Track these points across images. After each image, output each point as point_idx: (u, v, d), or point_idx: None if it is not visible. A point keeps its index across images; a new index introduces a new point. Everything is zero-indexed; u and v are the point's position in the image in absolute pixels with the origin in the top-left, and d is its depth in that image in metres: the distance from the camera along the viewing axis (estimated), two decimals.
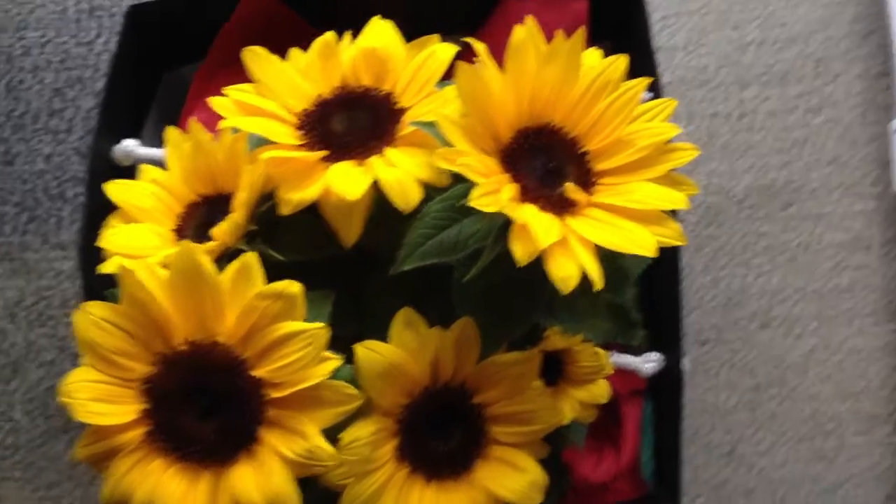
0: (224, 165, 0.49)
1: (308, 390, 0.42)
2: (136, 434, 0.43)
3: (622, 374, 0.56)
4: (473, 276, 0.46)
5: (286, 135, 0.48)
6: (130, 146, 0.58)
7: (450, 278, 0.49)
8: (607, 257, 0.49)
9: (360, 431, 0.46)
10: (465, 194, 0.46)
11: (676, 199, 0.43)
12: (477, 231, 0.46)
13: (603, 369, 0.50)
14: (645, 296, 0.55)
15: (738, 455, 0.76)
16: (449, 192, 0.46)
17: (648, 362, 0.54)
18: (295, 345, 0.42)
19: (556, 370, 0.50)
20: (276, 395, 0.42)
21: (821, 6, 0.82)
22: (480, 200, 0.41)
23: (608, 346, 0.52)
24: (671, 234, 0.43)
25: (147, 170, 0.50)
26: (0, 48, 0.79)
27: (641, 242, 0.42)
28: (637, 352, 0.56)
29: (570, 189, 0.43)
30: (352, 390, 0.42)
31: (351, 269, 0.51)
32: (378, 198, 0.48)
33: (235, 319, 0.42)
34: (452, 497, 0.47)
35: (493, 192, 0.42)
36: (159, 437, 0.43)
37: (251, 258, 0.42)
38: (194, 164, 0.50)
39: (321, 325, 0.42)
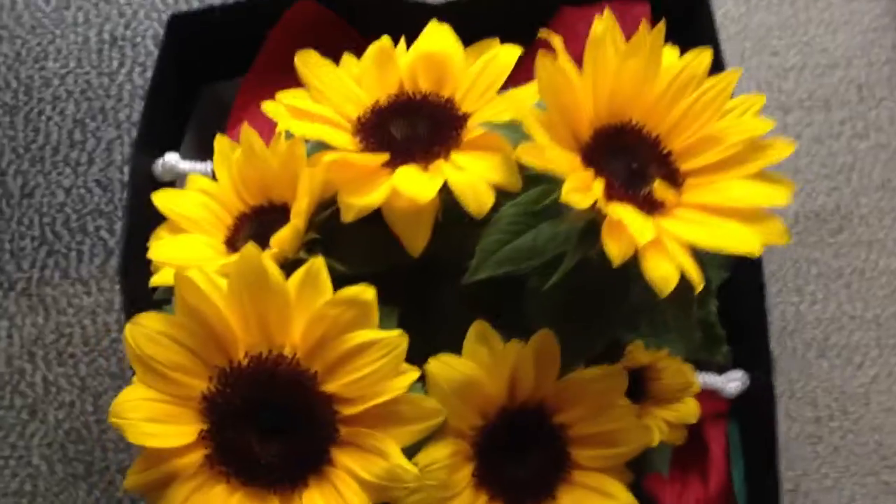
0: (278, 173, 0.46)
1: (385, 406, 0.38)
2: (195, 458, 0.39)
3: (700, 396, 0.52)
4: (553, 284, 0.43)
5: (345, 140, 0.45)
6: (173, 160, 0.54)
7: (523, 291, 0.45)
8: None
9: (438, 453, 0.42)
10: (541, 198, 0.43)
11: (779, 194, 0.40)
12: (556, 236, 0.43)
13: (691, 386, 0.46)
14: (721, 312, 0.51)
15: (802, 492, 0.72)
16: (523, 196, 0.43)
17: (732, 381, 0.51)
18: (370, 356, 0.38)
19: (639, 389, 0.46)
20: (349, 411, 0.39)
21: (859, 32, 0.80)
22: (572, 195, 0.38)
23: None
24: (775, 232, 0.39)
25: (195, 179, 0.47)
26: (20, 79, 0.76)
27: (744, 240, 0.39)
28: (716, 371, 0.52)
29: (659, 188, 0.40)
30: (434, 404, 0.39)
31: (417, 283, 0.48)
32: (445, 205, 0.45)
33: (303, 330, 0.39)
34: None
35: (584, 188, 0.39)
36: (220, 459, 0.39)
37: (319, 263, 0.39)
38: (246, 172, 0.46)
39: (398, 332, 0.38)
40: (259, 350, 0.39)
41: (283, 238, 0.42)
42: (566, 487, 0.44)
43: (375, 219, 0.45)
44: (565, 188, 0.37)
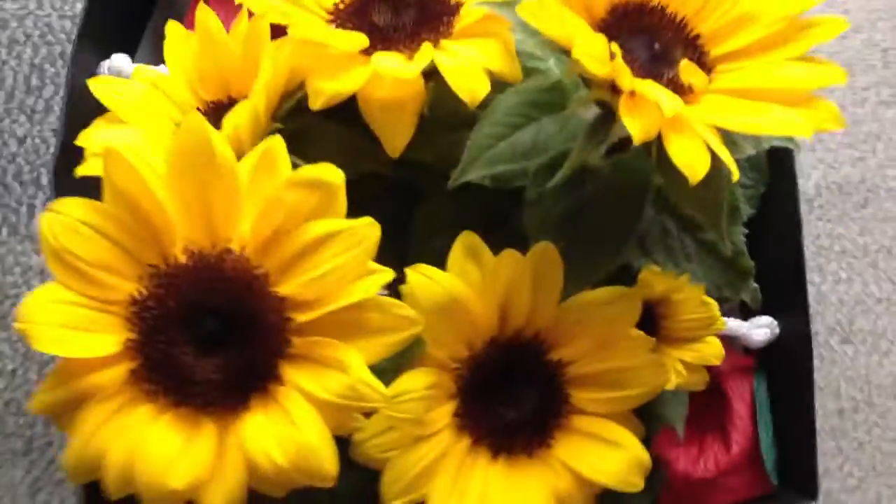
0: (239, 62, 0.39)
1: (348, 312, 0.31)
2: (118, 373, 0.32)
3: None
4: (556, 194, 0.36)
5: (319, 26, 0.39)
6: (121, 63, 0.47)
7: (520, 207, 0.39)
8: None
9: (413, 382, 0.35)
10: (546, 87, 0.37)
11: (832, 73, 0.33)
12: (561, 130, 0.36)
13: (714, 322, 0.39)
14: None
15: (823, 492, 0.65)
16: (525, 83, 0.37)
17: (759, 328, 0.44)
18: (333, 248, 0.31)
19: (652, 327, 0.39)
20: (305, 318, 0.32)
21: None
22: (587, 58, 0.31)
23: None
24: (827, 116, 0.33)
25: (143, 71, 0.41)
26: None
27: (791, 124, 0.32)
28: (740, 317, 0.45)
29: (686, 70, 0.34)
30: (409, 311, 0.32)
31: (397, 196, 0.41)
32: (433, 103, 0.39)
33: (254, 221, 0.32)
34: (526, 479, 0.36)
35: (600, 57, 0.32)
36: (148, 375, 0.32)
37: (277, 143, 0.32)
38: (202, 62, 0.40)
39: (367, 220, 0.31)
40: (201, 244, 0.32)
41: (237, 119, 0.35)
42: (563, 434, 0.37)
43: (350, 117, 0.38)
44: (577, 48, 0.31)
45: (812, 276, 0.69)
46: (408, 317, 0.31)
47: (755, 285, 0.41)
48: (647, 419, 0.39)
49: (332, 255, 0.31)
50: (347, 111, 0.38)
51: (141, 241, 0.32)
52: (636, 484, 0.36)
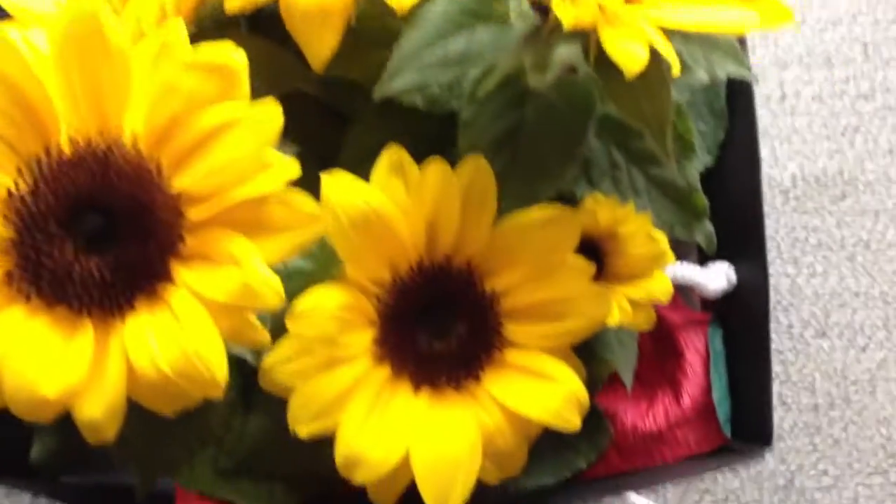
0: None
1: (249, 208, 0.28)
2: None
3: (676, 303, 0.43)
4: (494, 105, 0.34)
5: None
6: None
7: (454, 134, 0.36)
8: None
9: (326, 299, 0.32)
10: None
11: None
12: (495, 40, 0.34)
13: (662, 256, 0.36)
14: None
15: (796, 489, 0.61)
16: None
17: (716, 276, 0.41)
18: (232, 136, 0.28)
19: (596, 264, 0.36)
20: (200, 214, 0.29)
21: None
22: None
23: None
24: (776, 13, 0.30)
25: None
26: None
27: (738, 19, 0.30)
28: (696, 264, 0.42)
29: None
30: (314, 207, 0.29)
31: (323, 123, 0.38)
32: (360, 16, 0.36)
33: (148, 108, 0.29)
34: (451, 413, 0.33)
35: None
36: (23, 274, 0.29)
37: (174, 25, 0.29)
38: None
39: (270, 103, 0.28)
40: (87, 134, 0.29)
41: (140, 11, 0.32)
42: (494, 368, 0.34)
43: (279, 34, 0.36)
44: None
45: (787, 269, 0.66)
46: (313, 213, 0.29)
47: (710, 226, 0.38)
48: (593, 364, 0.36)
49: (230, 144, 0.28)
50: (275, 27, 0.36)
51: (20, 129, 0.29)
52: (572, 421, 0.32)
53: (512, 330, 0.34)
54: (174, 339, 0.28)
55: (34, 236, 0.29)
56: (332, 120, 0.38)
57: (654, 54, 0.29)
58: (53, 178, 0.29)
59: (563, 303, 0.34)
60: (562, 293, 0.34)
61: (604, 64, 0.30)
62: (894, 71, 0.70)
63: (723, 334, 0.40)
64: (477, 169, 0.33)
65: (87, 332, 0.28)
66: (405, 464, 0.32)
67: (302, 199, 0.29)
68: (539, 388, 0.33)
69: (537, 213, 0.33)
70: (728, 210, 0.39)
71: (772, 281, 0.65)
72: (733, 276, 0.40)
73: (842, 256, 0.66)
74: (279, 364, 0.32)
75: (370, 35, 0.36)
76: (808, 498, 0.61)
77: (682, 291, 0.42)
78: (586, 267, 0.34)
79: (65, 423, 0.35)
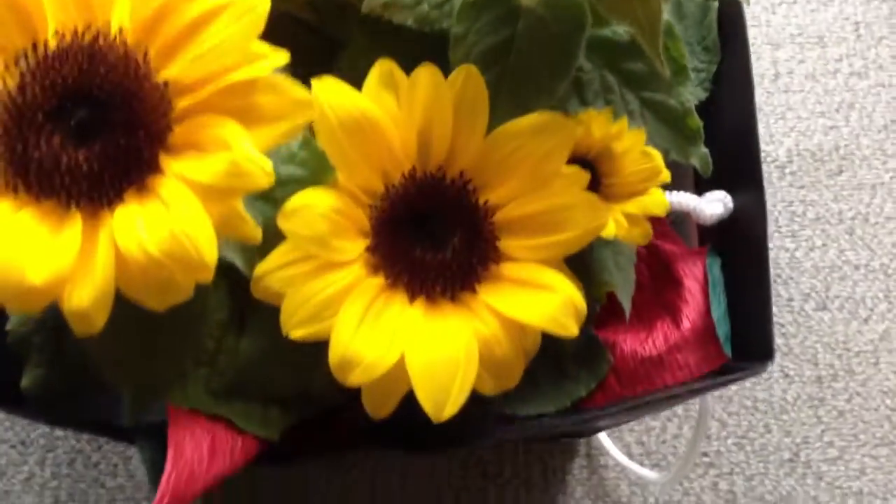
0: None
1: (237, 94, 0.28)
2: None
3: (673, 238, 0.42)
4: (480, 7, 0.34)
5: None
6: None
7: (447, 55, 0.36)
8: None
9: (316, 198, 0.31)
10: None
11: None
12: None
13: (658, 173, 0.36)
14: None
15: (802, 462, 0.60)
16: None
17: (712, 203, 0.40)
18: (219, 23, 0.28)
19: (592, 186, 0.36)
20: (189, 101, 0.28)
21: None
22: None
23: None
24: None
25: None
26: None
27: None
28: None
29: None
30: (304, 93, 0.28)
31: (315, 47, 0.38)
32: None
33: (133, 3, 0.29)
34: (448, 321, 0.32)
35: None
36: (10, 167, 0.28)
37: None
38: None
39: None
40: (74, 29, 0.29)
41: None
42: (490, 281, 0.33)
43: None
44: None
45: (785, 242, 0.66)
46: (303, 100, 0.28)
47: (705, 149, 0.38)
48: (591, 287, 0.36)
49: (216, 30, 0.28)
50: None
51: (6, 25, 0.29)
52: (569, 326, 0.32)
53: (507, 243, 0.34)
54: (162, 222, 0.27)
55: (21, 129, 0.28)
56: (323, 44, 0.38)
57: None
58: (40, 72, 0.29)
59: (557, 213, 0.33)
60: (556, 203, 0.33)
61: None
62: (887, 49, 0.71)
63: (721, 262, 0.40)
64: (468, 77, 0.33)
65: (75, 224, 0.28)
66: (400, 369, 0.31)
67: (291, 85, 0.28)
68: (536, 297, 0.32)
69: (530, 121, 0.33)
70: (723, 141, 0.39)
71: (770, 254, 0.65)
72: (730, 203, 0.40)
73: (840, 230, 0.66)
74: (272, 271, 0.31)
75: None
76: (815, 470, 0.60)
77: (679, 225, 0.42)
78: (581, 176, 0.33)
79: (54, 354, 0.35)
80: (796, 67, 0.70)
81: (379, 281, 0.32)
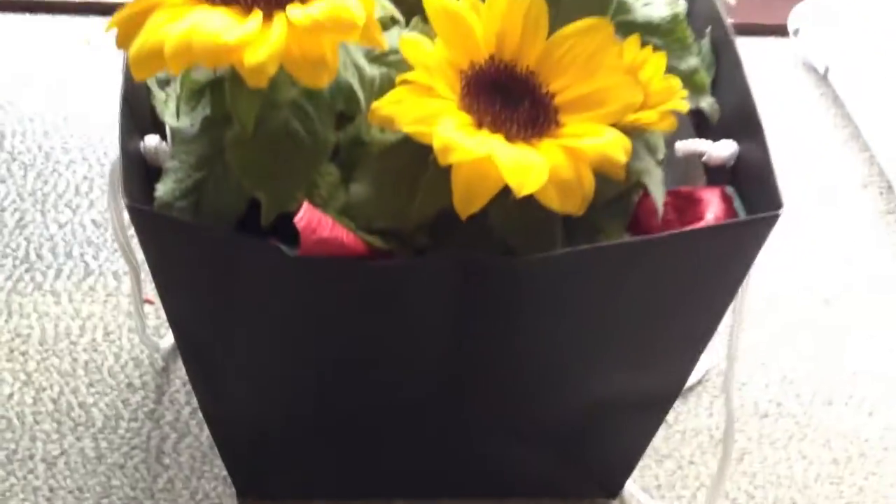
0: None
1: None
2: None
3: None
4: None
5: None
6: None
7: None
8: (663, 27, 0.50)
9: (425, 42, 0.41)
10: None
11: None
12: None
13: (676, 91, 0.45)
14: None
15: None
16: None
17: (721, 147, 0.49)
18: None
19: None
20: None
21: (816, 164, 0.88)
22: None
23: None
24: None
25: None
26: (41, 148, 0.81)
27: None
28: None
29: None
30: None
31: None
32: None
33: None
34: (523, 147, 0.41)
35: None
36: None
37: None
38: None
39: None
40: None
41: None
42: (553, 134, 0.42)
43: None
44: None
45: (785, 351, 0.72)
46: None
47: (712, 99, 0.49)
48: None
49: None
50: None
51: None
52: (621, 154, 0.41)
53: (567, 119, 0.43)
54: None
55: None
56: None
57: None
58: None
59: (603, 92, 0.43)
60: (602, 85, 0.43)
61: None
62: (852, 216, 0.83)
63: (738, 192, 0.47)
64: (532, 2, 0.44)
65: (257, 14, 0.38)
66: (489, 166, 0.39)
67: None
68: (591, 138, 0.41)
69: (579, 25, 0.44)
70: (725, 115, 0.50)
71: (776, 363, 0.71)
72: (736, 148, 0.49)
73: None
74: (386, 103, 0.41)
75: None
76: None
77: (691, 173, 0.50)
78: (621, 62, 0.44)
79: (188, 168, 0.43)
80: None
81: (468, 119, 0.41)
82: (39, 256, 0.73)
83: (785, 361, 0.71)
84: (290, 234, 0.41)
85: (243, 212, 0.43)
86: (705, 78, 0.49)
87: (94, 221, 0.76)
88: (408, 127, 0.40)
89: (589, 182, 0.41)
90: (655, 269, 0.44)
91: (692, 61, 0.49)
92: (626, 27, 0.49)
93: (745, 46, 0.94)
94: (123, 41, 0.39)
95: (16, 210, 0.76)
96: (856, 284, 0.77)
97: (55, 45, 0.91)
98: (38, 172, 0.79)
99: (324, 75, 0.38)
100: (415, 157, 0.42)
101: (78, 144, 0.82)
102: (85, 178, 0.79)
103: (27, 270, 0.72)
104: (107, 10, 0.89)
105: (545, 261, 0.41)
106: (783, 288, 0.76)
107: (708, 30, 0.54)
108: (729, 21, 0.53)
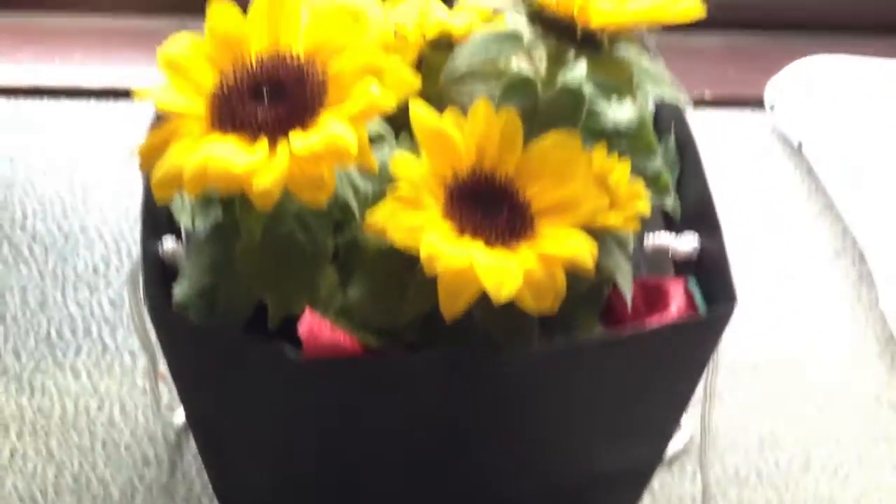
0: None
1: (371, 72, 0.45)
2: (199, 124, 0.44)
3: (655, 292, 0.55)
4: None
5: None
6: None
7: None
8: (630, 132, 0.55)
9: (412, 158, 0.46)
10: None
11: None
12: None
13: (640, 193, 0.50)
14: None
15: None
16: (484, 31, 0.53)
17: (684, 241, 0.53)
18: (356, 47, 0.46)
19: None
20: (341, 79, 0.45)
21: (790, 235, 0.92)
22: None
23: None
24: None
25: None
26: (61, 229, 0.87)
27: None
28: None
29: None
30: (411, 76, 0.45)
31: None
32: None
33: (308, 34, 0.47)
34: (501, 252, 0.46)
35: None
36: (221, 120, 0.44)
37: None
38: None
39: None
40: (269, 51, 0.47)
41: None
42: (528, 238, 0.47)
43: None
44: None
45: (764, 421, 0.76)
46: (410, 80, 0.45)
47: (674, 197, 0.54)
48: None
49: (357, 51, 0.46)
50: None
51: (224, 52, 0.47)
52: (588, 258, 0.45)
53: (541, 222, 0.48)
54: (320, 132, 0.42)
55: (232, 100, 0.45)
56: None
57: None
58: (248, 74, 0.46)
59: (574, 198, 0.48)
60: (573, 191, 0.48)
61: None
62: (825, 286, 0.87)
63: (697, 282, 0.52)
64: (510, 115, 0.50)
65: (263, 143, 0.43)
66: (470, 274, 0.44)
67: (405, 68, 0.45)
68: (563, 241, 0.46)
69: (552, 138, 0.49)
70: (687, 211, 0.55)
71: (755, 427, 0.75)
72: (697, 242, 0.54)
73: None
74: (378, 215, 0.46)
75: (434, 67, 0.54)
76: None
77: (658, 266, 0.55)
78: (589, 168, 0.49)
79: (202, 271, 0.48)
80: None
81: (451, 226, 0.46)
82: (60, 335, 0.78)
83: (764, 426, 0.76)
84: (295, 330, 0.46)
85: (254, 309, 0.48)
86: (668, 179, 0.54)
87: (110, 300, 0.81)
88: (398, 239, 0.44)
89: (561, 282, 0.46)
90: (626, 359, 0.49)
91: (656, 163, 0.54)
92: (596, 133, 0.54)
93: (724, 118, 1.02)
94: (146, 166, 0.44)
95: (37, 290, 0.82)
96: (829, 352, 0.82)
97: (72, 128, 0.97)
98: (59, 253, 0.85)
99: (322, 195, 0.43)
100: (405, 260, 0.47)
101: (95, 224, 0.87)
102: (102, 257, 0.85)
103: (48, 349, 0.77)
104: (122, 95, 0.97)
105: (523, 356, 0.46)
106: (760, 356, 0.80)
107: (672, 127, 0.59)
108: (690, 121, 0.58)
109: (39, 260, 0.84)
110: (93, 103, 0.99)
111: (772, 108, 1.00)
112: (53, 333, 0.78)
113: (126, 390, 0.75)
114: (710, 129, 1.01)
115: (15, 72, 1.00)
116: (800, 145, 0.96)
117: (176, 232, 0.55)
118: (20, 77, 0.99)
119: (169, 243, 0.52)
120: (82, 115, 0.98)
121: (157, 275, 0.51)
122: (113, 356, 0.77)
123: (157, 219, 0.53)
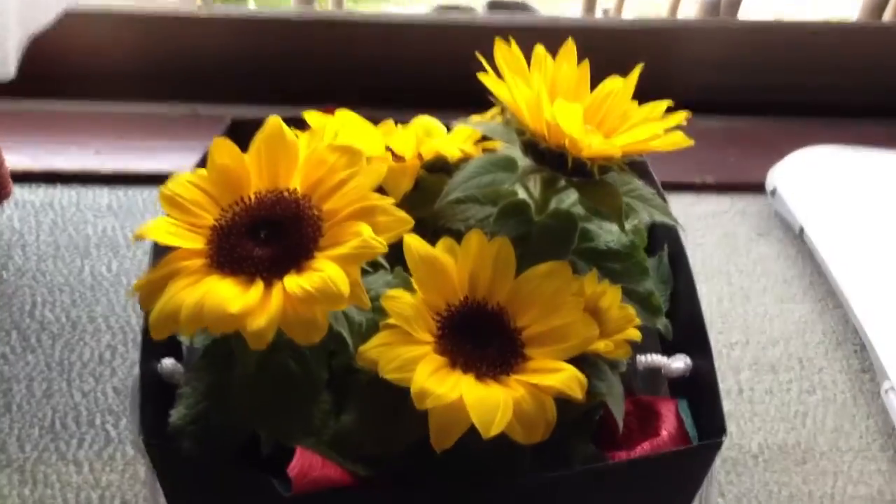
0: None
1: (363, 215, 0.46)
2: (197, 261, 0.46)
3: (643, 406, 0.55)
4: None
5: None
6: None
7: None
8: (623, 253, 0.56)
9: (406, 294, 0.47)
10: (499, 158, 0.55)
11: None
12: (509, 178, 0.53)
13: (632, 320, 0.51)
14: None
15: None
16: (484, 157, 0.55)
17: (675, 362, 0.54)
18: (354, 181, 0.47)
19: None
20: (334, 219, 0.46)
21: (792, 322, 0.93)
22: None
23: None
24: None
25: None
26: (69, 317, 0.88)
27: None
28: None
29: None
30: (404, 215, 0.46)
31: None
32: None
33: (304, 172, 0.48)
34: (491, 385, 0.46)
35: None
36: (219, 259, 0.45)
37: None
38: None
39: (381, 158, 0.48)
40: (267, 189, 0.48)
41: None
42: (519, 369, 0.48)
43: None
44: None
45: None
46: (404, 218, 0.46)
47: (666, 320, 0.54)
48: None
49: (356, 182, 0.47)
50: None
51: (224, 190, 0.48)
52: (577, 390, 0.46)
53: (531, 350, 0.49)
54: (315, 275, 0.44)
55: (230, 239, 0.46)
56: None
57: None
58: (245, 212, 0.47)
59: (565, 327, 0.49)
60: (565, 320, 0.49)
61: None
62: (828, 375, 0.88)
63: (688, 403, 0.53)
64: (503, 243, 0.51)
65: (259, 285, 0.44)
66: (460, 409, 0.45)
67: (396, 210, 0.46)
68: (551, 374, 0.47)
69: (544, 268, 0.50)
70: (680, 326, 0.55)
71: None
72: (689, 362, 0.54)
73: None
74: (371, 347, 0.47)
75: (430, 189, 0.55)
76: None
77: (652, 382, 0.56)
78: (579, 301, 0.49)
79: (198, 396, 0.49)
80: (756, 385, 0.86)
81: (443, 360, 0.47)
82: (64, 426, 0.79)
83: None
84: (290, 452, 0.47)
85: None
86: (660, 300, 0.55)
87: (115, 389, 0.82)
88: (389, 374, 0.45)
89: (552, 414, 0.47)
90: (617, 485, 0.49)
91: (648, 284, 0.55)
92: (590, 254, 0.55)
93: (726, 202, 1.03)
94: (146, 303, 0.46)
95: (43, 380, 0.83)
96: (830, 442, 0.82)
97: (82, 214, 0.99)
98: (66, 342, 0.86)
99: (316, 335, 0.44)
100: (398, 389, 0.47)
101: (103, 312, 0.89)
102: (108, 346, 0.86)
103: (52, 440, 0.78)
104: (134, 181, 0.99)
105: (514, 487, 0.47)
106: (761, 445, 0.81)
107: (665, 246, 0.60)
108: (683, 240, 0.59)
109: (46, 348, 0.85)
110: (106, 190, 1.01)
111: (773, 193, 1.01)
112: (58, 423, 0.79)
113: (127, 482, 0.76)
114: (711, 213, 1.05)
115: (29, 157, 1.02)
116: (801, 231, 0.97)
117: (177, 346, 0.56)
118: (34, 162, 1.02)
119: (168, 364, 0.53)
120: (94, 200, 1.00)
121: (153, 401, 0.51)
122: (115, 447, 0.78)
123: None
